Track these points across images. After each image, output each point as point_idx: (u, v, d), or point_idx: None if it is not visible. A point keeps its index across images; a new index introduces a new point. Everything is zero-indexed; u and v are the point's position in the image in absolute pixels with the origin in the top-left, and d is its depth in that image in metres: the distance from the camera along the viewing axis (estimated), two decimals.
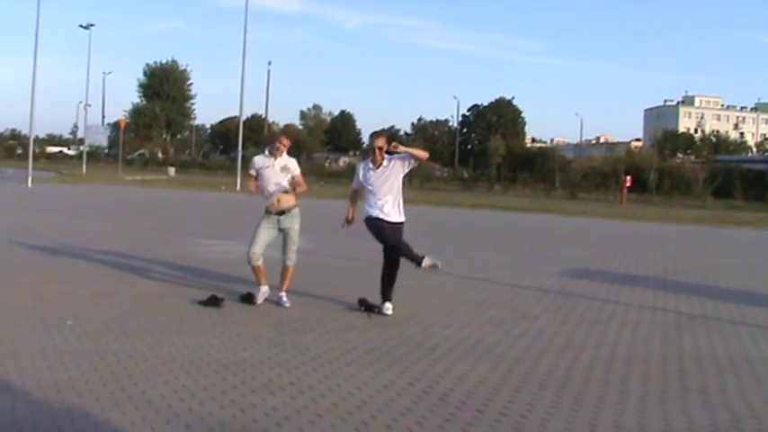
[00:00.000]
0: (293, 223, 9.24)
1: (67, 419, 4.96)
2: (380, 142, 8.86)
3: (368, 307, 8.99)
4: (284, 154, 9.25)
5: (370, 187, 8.92)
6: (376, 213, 8.86)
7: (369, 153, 9.14)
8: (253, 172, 9.33)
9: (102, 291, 9.55)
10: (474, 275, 12.46)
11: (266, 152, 9.38)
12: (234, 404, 5.42)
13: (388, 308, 8.91)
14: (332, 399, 5.66)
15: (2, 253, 12.65)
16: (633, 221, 30.54)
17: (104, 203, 27.48)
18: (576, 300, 10.56)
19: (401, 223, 9.02)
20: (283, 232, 9.23)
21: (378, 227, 8.86)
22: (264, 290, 9.23)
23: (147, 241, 15.30)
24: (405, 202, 9.04)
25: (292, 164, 9.31)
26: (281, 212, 9.16)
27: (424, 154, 8.99)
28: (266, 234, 9.19)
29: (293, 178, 9.19)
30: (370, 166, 8.96)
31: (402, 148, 8.77)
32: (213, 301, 8.88)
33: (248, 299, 9.14)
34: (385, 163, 8.91)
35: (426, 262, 8.76)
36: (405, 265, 8.93)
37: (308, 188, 9.71)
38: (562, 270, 13.62)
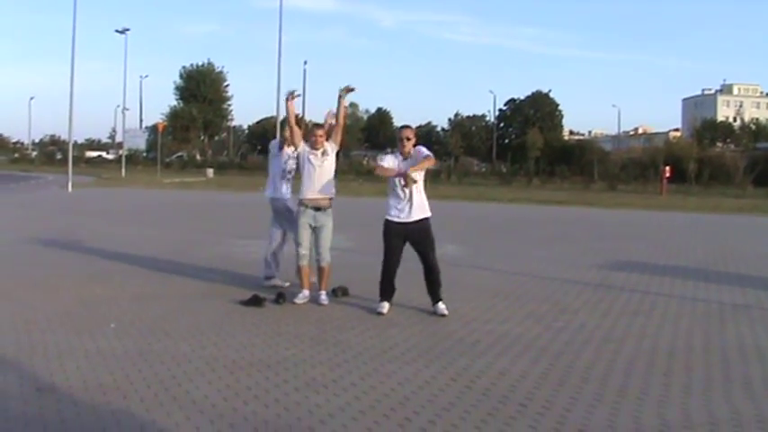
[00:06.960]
0: (326, 221, 9.25)
1: (113, 421, 5.02)
2: (408, 133, 8.87)
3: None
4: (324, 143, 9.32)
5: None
6: (396, 214, 8.86)
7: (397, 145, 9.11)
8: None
9: (144, 292, 9.66)
10: (514, 270, 12.44)
11: (307, 146, 9.40)
12: (278, 403, 5.46)
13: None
14: (375, 395, 5.69)
15: (44, 257, 12.80)
16: (673, 212, 30.31)
17: (144, 206, 27.70)
18: (616, 292, 10.50)
19: (427, 219, 8.98)
20: (315, 230, 9.26)
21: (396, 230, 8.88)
22: (305, 294, 9.25)
23: (186, 243, 15.40)
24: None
25: (327, 145, 9.35)
26: (317, 208, 9.20)
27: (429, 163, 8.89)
28: (308, 232, 9.23)
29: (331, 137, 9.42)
30: (400, 158, 8.93)
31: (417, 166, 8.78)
32: (255, 301, 8.94)
33: (278, 299, 9.18)
34: (412, 152, 8.88)
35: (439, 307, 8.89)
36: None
37: (343, 141, 9.77)
38: (602, 262, 13.55)
